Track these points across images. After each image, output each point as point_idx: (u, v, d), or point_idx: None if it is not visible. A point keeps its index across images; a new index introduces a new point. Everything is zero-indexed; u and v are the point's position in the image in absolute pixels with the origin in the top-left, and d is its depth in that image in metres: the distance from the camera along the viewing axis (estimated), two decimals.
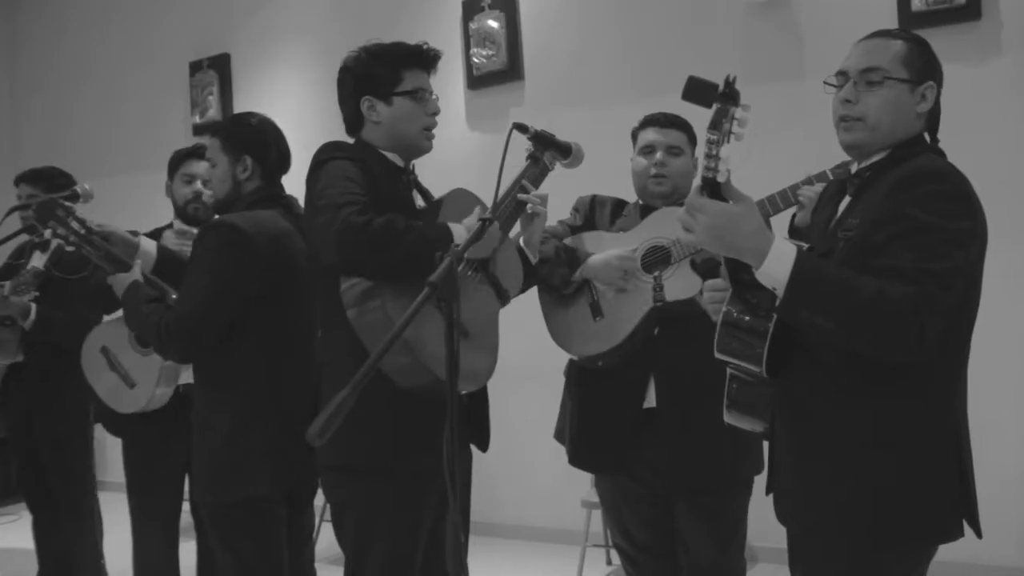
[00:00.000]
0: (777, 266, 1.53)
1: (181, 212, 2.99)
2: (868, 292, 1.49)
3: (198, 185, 2.95)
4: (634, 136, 2.47)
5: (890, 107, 1.66)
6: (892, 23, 3.47)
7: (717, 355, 1.73)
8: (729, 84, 1.51)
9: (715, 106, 1.50)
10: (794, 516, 1.73)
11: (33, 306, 3.11)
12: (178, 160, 3.01)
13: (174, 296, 2.40)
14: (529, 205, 2.09)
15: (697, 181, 1.57)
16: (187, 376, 2.77)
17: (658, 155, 2.37)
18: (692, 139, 2.42)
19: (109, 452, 3.03)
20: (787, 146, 3.63)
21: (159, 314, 2.22)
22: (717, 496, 2.31)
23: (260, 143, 2.35)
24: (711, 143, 1.50)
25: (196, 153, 3.00)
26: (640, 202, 2.47)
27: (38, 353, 3.27)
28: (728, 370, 1.79)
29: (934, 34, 3.45)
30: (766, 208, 2.22)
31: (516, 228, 2.16)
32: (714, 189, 1.55)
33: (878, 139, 1.69)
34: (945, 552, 1.67)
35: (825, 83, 1.75)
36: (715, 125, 1.49)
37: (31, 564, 3.77)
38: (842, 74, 1.72)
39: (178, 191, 2.99)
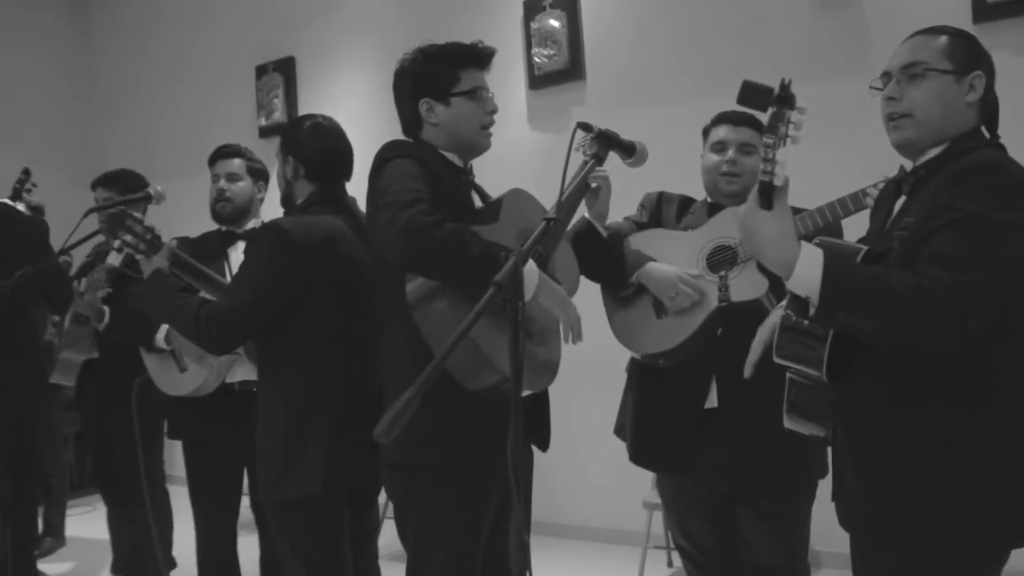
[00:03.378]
0: (807, 273, 1.52)
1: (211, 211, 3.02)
2: (903, 286, 1.47)
3: (221, 183, 2.96)
4: (705, 133, 2.44)
5: (936, 99, 1.63)
6: (966, 17, 3.38)
7: (776, 360, 1.71)
8: (785, 87, 1.49)
9: (771, 110, 1.48)
10: (856, 520, 1.70)
11: (106, 308, 3.19)
12: (210, 161, 3.04)
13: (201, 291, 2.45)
14: (592, 181, 2.08)
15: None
16: (242, 374, 2.83)
17: (730, 153, 2.35)
18: None
19: (177, 447, 3.10)
20: (855, 145, 3.55)
21: (195, 306, 2.24)
22: (780, 499, 2.28)
23: (301, 144, 2.36)
24: (767, 147, 1.49)
25: (222, 153, 3.02)
26: (708, 200, 2.45)
27: (111, 350, 3.37)
28: (788, 374, 1.77)
29: (1012, 26, 3.38)
30: (826, 216, 2.18)
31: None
32: (771, 194, 1.54)
33: (929, 134, 1.65)
34: (1017, 558, 1.62)
35: (871, 87, 1.73)
36: (771, 129, 1.48)
37: (105, 553, 3.90)
38: (886, 74, 1.70)
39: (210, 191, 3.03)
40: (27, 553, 2.69)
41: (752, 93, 1.54)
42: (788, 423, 1.80)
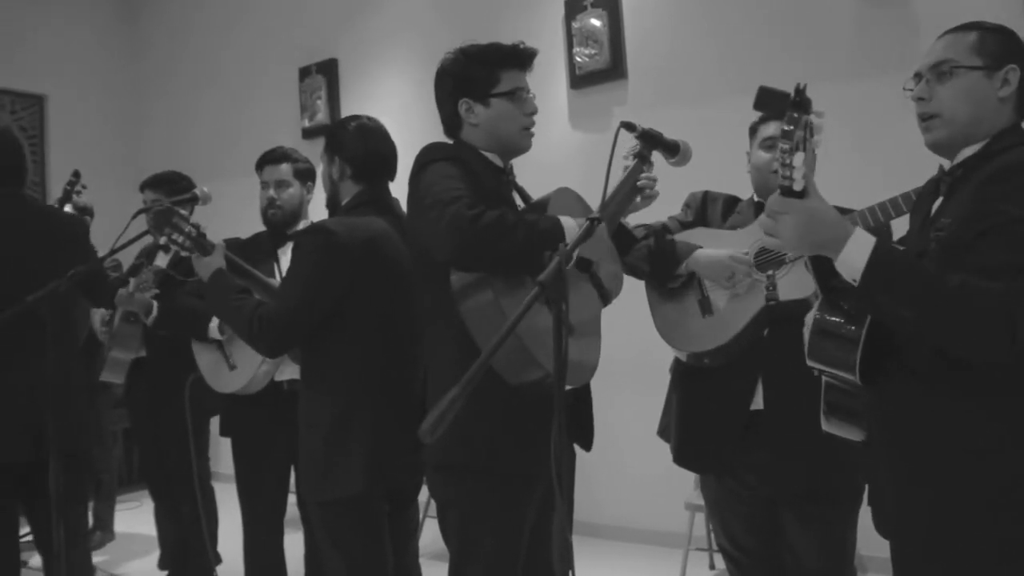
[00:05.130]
0: (855, 253, 1.50)
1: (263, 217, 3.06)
2: (952, 283, 1.44)
3: (271, 192, 3.01)
4: (753, 130, 2.41)
5: (964, 97, 1.60)
6: (1018, 10, 3.31)
7: (809, 363, 1.70)
8: (800, 92, 1.47)
9: (788, 114, 1.47)
10: (892, 527, 1.67)
11: (155, 303, 3.26)
12: (257, 166, 3.07)
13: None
14: (647, 189, 2.08)
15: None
16: (291, 373, 2.86)
17: None
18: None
19: (223, 444, 3.16)
20: (904, 144, 3.48)
21: (251, 308, 2.28)
22: (825, 503, 2.25)
23: (348, 145, 2.39)
24: (784, 152, 1.47)
25: (269, 158, 3.05)
26: (756, 199, 2.42)
27: (159, 349, 3.43)
28: (824, 378, 1.75)
29: None
30: (877, 216, 2.14)
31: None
32: (794, 197, 1.52)
33: (959, 133, 1.62)
34: None
35: (904, 88, 1.71)
36: (787, 134, 1.46)
37: (152, 547, 3.97)
38: (917, 75, 1.68)
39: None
40: (77, 547, 2.76)
41: (768, 99, 1.54)
42: (826, 426, 1.78)
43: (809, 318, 1.73)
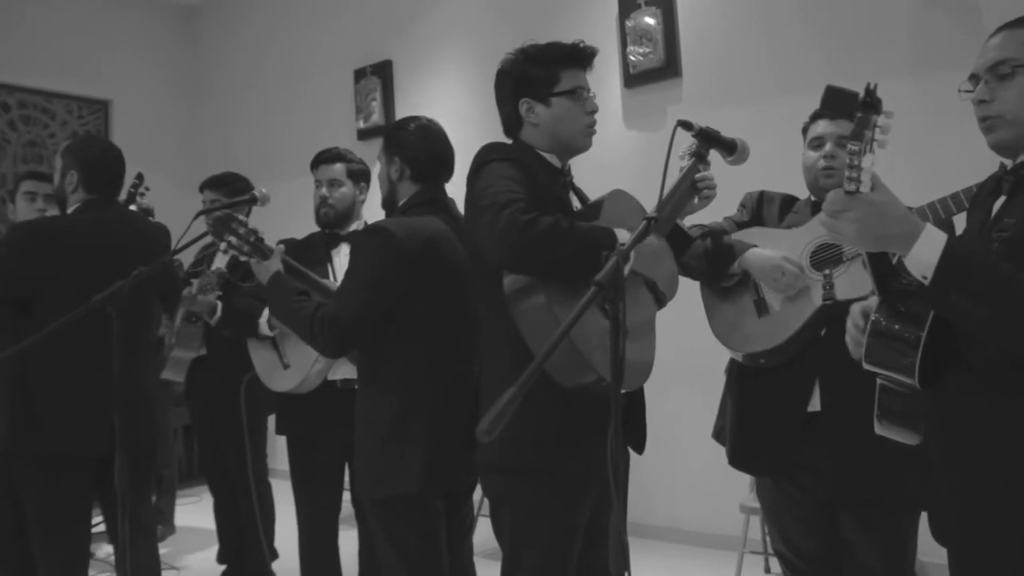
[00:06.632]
0: (927, 249, 1.44)
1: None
2: None
3: (323, 190, 3.04)
4: (804, 131, 2.39)
5: None
6: None
7: (866, 366, 1.65)
8: (870, 92, 1.43)
9: (857, 115, 1.43)
10: (951, 535, 1.63)
11: (219, 304, 3.33)
12: (312, 165, 3.12)
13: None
14: (705, 189, 2.07)
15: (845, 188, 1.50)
16: (344, 372, 2.90)
17: (828, 147, 2.29)
18: None
19: (280, 442, 3.21)
20: (966, 143, 3.40)
21: (312, 310, 2.30)
22: (885, 507, 2.20)
23: (408, 146, 2.39)
24: (853, 154, 1.43)
25: (323, 158, 3.09)
26: (812, 198, 2.39)
27: (219, 348, 3.50)
28: (878, 380, 1.71)
29: None
30: (938, 213, 2.10)
31: None
32: None
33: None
34: None
35: (960, 90, 1.65)
36: (856, 135, 1.41)
37: (211, 541, 4.05)
38: (974, 76, 1.63)
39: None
40: (145, 540, 2.84)
41: (836, 98, 1.50)
42: (879, 429, 1.74)
43: (856, 310, 1.69)
